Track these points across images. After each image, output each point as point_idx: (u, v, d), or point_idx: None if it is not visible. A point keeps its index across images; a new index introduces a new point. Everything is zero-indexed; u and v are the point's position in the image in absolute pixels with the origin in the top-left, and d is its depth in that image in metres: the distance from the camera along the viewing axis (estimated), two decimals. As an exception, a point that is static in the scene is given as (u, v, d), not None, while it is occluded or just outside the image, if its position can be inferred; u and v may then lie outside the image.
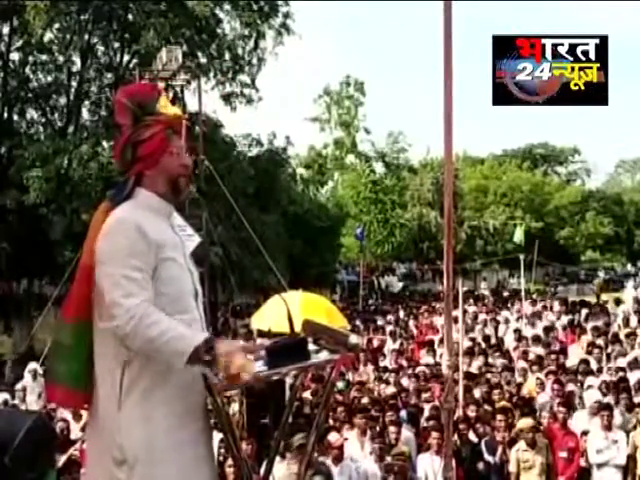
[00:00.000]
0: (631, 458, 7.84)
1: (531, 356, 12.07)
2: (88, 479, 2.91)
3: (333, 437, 7.18)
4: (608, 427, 7.88)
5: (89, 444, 2.95)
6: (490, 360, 12.11)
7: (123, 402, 2.62)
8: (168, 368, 2.62)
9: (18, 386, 11.49)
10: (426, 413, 8.77)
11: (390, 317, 21.28)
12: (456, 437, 7.59)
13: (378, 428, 7.93)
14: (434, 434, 7.45)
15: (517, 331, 15.15)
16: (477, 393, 9.46)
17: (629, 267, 49.83)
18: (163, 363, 2.58)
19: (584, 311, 18.31)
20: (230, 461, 5.64)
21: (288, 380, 3.06)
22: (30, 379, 11.80)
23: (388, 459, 7.14)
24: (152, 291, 2.61)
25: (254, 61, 25.63)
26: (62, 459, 6.71)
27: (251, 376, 2.47)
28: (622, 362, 11.28)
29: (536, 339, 13.92)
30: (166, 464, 2.62)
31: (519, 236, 28.54)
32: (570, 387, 9.69)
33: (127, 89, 2.96)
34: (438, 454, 7.22)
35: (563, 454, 7.94)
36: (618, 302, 20.19)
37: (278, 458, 5.97)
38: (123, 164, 2.82)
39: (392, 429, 7.78)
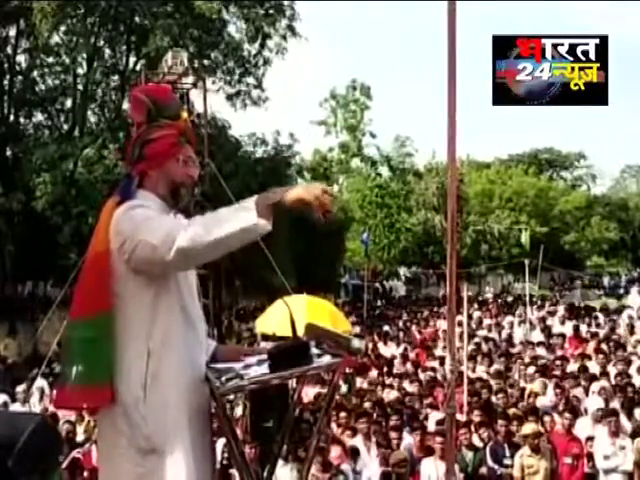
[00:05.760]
0: (636, 464, 7.80)
1: (535, 361, 12.03)
2: (107, 475, 2.74)
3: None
4: (615, 433, 7.85)
5: (106, 438, 2.74)
6: (495, 365, 12.07)
7: (149, 390, 2.59)
8: (188, 359, 2.67)
9: (19, 389, 11.42)
10: (429, 418, 8.74)
11: (394, 322, 21.25)
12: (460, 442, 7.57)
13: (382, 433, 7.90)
14: (437, 439, 7.43)
15: (521, 336, 15.13)
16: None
17: (634, 273, 49.65)
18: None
19: (589, 317, 18.26)
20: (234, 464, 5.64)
21: (291, 384, 3.04)
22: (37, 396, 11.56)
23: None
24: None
25: (260, 62, 25.71)
26: (65, 461, 6.71)
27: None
28: (626, 368, 11.22)
29: (540, 344, 13.89)
30: (187, 451, 2.63)
31: (524, 240, 28.48)
32: (574, 392, 9.66)
33: (144, 86, 3.03)
34: (442, 459, 7.19)
35: (568, 460, 7.90)
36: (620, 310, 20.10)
37: (281, 462, 6.00)
38: (130, 162, 2.82)
39: (393, 434, 7.76)
